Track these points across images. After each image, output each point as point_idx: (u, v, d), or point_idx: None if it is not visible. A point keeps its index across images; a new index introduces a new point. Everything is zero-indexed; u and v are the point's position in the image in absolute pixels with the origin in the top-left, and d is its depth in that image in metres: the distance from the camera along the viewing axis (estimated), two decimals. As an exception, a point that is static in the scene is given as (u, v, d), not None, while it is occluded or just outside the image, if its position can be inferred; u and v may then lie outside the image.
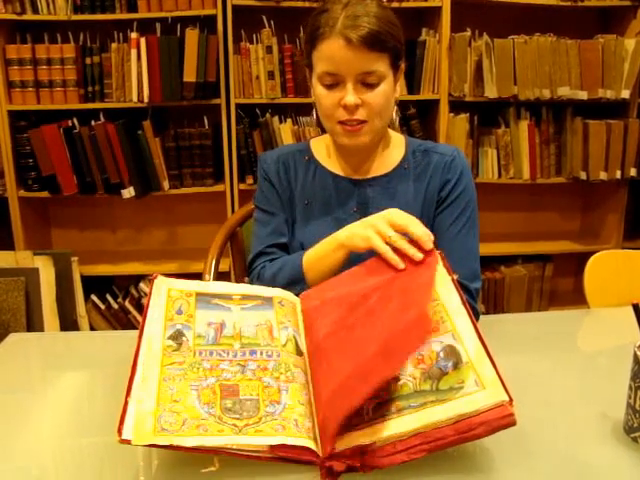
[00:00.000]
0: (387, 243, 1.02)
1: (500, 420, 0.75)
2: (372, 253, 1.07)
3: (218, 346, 0.89)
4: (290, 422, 0.78)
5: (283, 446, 0.75)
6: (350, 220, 1.26)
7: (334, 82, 1.15)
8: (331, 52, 1.13)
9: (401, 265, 0.99)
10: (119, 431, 0.74)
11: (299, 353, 0.93)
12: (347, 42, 1.10)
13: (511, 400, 0.76)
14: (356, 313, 0.96)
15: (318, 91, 1.19)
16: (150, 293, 0.96)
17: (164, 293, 0.97)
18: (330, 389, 0.83)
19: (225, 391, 0.82)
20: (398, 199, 1.27)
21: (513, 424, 0.75)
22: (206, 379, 0.83)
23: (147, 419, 0.76)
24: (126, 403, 0.77)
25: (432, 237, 1.00)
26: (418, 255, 0.97)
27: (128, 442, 0.73)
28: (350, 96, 1.14)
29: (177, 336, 0.89)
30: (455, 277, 0.95)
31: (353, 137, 1.20)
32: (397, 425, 0.77)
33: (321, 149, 1.35)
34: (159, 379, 0.82)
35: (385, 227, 1.03)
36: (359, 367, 0.82)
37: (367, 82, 1.15)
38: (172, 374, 0.83)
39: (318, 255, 1.18)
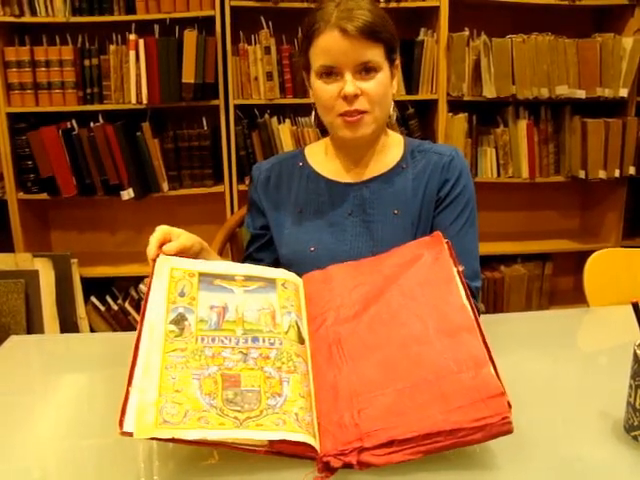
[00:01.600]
0: None
1: (498, 427, 0.76)
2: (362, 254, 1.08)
3: (220, 332, 0.89)
4: (290, 416, 0.79)
5: (283, 441, 0.76)
6: (345, 224, 1.27)
7: (332, 76, 1.17)
8: (328, 44, 1.14)
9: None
10: (120, 423, 0.73)
11: (301, 341, 0.92)
12: (343, 32, 1.12)
13: (510, 407, 0.76)
14: (375, 309, 0.96)
15: (317, 86, 1.19)
16: (152, 272, 0.95)
17: (166, 273, 0.96)
18: (358, 393, 0.84)
19: (227, 381, 0.81)
20: (396, 198, 1.27)
21: (510, 432, 0.76)
22: (208, 368, 0.83)
23: (149, 410, 0.75)
24: (127, 393, 0.77)
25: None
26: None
27: (130, 435, 0.72)
28: (349, 85, 1.15)
29: (179, 320, 0.89)
30: (461, 269, 0.95)
31: (354, 128, 1.19)
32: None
33: (316, 154, 1.35)
34: (161, 367, 0.81)
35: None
36: (408, 396, 0.82)
37: (364, 72, 1.16)
38: (174, 362, 0.82)
39: None
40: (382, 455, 0.76)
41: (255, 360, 0.86)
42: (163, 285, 0.94)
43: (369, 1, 1.18)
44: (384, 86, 1.19)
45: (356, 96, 1.16)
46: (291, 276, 1.05)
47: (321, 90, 1.19)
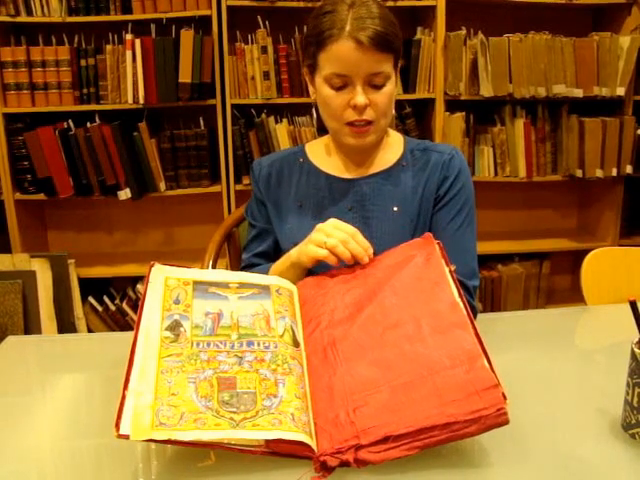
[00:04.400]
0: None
1: (493, 419, 0.76)
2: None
3: (215, 337, 0.89)
4: (287, 416, 0.79)
5: (279, 441, 0.76)
6: (345, 219, 1.26)
7: (342, 84, 1.16)
8: (341, 54, 1.14)
9: (349, 261, 1.06)
10: (117, 426, 0.73)
11: (296, 344, 0.93)
12: (357, 44, 1.12)
13: (505, 398, 0.76)
14: (368, 310, 0.96)
15: (325, 92, 1.19)
16: (147, 281, 0.96)
17: (161, 282, 0.96)
18: (353, 392, 0.84)
19: (222, 384, 0.82)
20: (396, 195, 1.27)
21: (506, 423, 0.76)
22: (203, 371, 0.83)
23: (145, 413, 0.76)
24: (124, 397, 0.77)
25: (370, 251, 1.06)
26: (364, 259, 1.05)
27: (126, 437, 0.73)
28: (360, 96, 1.15)
29: (174, 327, 0.89)
30: (452, 268, 0.96)
31: (360, 138, 1.21)
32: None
33: (317, 151, 1.35)
34: (157, 371, 0.82)
35: (321, 236, 1.09)
36: (402, 392, 0.82)
37: (374, 83, 1.16)
38: (170, 366, 0.83)
39: (278, 271, 1.20)
40: (379, 452, 0.76)
41: (250, 363, 0.86)
42: (158, 293, 0.94)
43: (378, 5, 1.17)
44: (391, 96, 1.20)
45: (365, 106, 1.17)
46: (285, 283, 1.06)
47: (330, 98, 1.18)
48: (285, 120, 2.51)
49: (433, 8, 2.47)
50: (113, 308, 2.63)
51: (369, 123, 1.19)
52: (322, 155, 1.34)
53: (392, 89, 1.19)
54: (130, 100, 2.39)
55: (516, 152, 2.64)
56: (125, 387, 0.78)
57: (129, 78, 2.36)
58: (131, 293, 2.68)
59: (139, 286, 2.63)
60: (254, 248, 1.37)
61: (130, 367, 0.81)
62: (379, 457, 0.76)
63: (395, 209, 1.27)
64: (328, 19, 1.15)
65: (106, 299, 2.63)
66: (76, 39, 2.43)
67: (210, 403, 0.79)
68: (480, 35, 2.47)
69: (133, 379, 0.80)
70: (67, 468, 0.83)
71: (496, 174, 2.67)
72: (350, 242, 1.06)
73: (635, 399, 0.81)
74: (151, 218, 2.77)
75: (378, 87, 1.17)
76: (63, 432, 0.92)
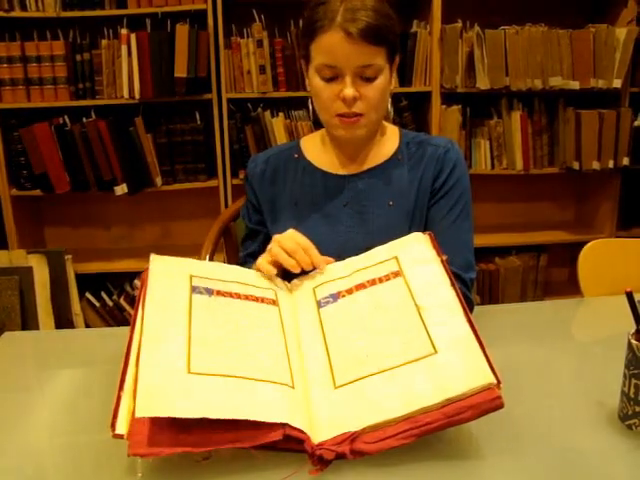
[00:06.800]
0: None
1: (488, 403, 0.76)
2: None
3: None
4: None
5: (285, 428, 0.75)
6: (340, 215, 1.27)
7: (332, 75, 1.15)
8: (330, 45, 1.13)
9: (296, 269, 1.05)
10: (112, 426, 0.74)
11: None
12: (347, 35, 1.10)
13: (499, 383, 0.76)
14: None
15: (316, 83, 1.18)
16: (145, 283, 0.94)
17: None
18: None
19: None
20: (391, 189, 1.27)
21: (500, 407, 0.76)
22: None
23: None
24: (119, 397, 0.77)
25: (322, 265, 1.05)
26: (308, 267, 1.05)
27: (121, 437, 0.74)
28: (349, 89, 1.14)
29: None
30: (444, 258, 0.96)
31: (350, 130, 1.20)
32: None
33: (312, 146, 1.35)
34: None
35: (272, 245, 1.08)
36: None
37: (365, 76, 1.15)
38: None
39: None
40: (375, 442, 0.76)
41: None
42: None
43: None
44: (382, 90, 1.17)
45: (354, 99, 1.15)
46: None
47: (320, 89, 1.17)
48: (281, 114, 2.51)
49: (429, 1, 2.46)
50: (110, 304, 2.62)
51: (359, 115, 1.17)
52: (317, 150, 1.33)
53: (384, 83, 1.17)
54: (126, 95, 2.38)
55: (513, 145, 2.64)
56: (120, 388, 0.79)
57: (124, 73, 2.36)
58: (128, 289, 2.68)
59: (136, 281, 2.63)
60: (247, 247, 1.38)
61: (125, 367, 0.81)
62: (375, 447, 0.76)
63: (391, 203, 1.26)
64: (321, 10, 1.14)
65: (103, 295, 2.63)
66: (71, 34, 2.42)
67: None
68: (476, 28, 2.47)
69: (128, 380, 0.80)
70: (65, 463, 0.83)
71: (493, 167, 2.67)
72: (298, 252, 1.04)
73: (632, 390, 0.82)
74: (148, 213, 2.77)
75: (369, 80, 1.15)
76: (61, 428, 0.91)
